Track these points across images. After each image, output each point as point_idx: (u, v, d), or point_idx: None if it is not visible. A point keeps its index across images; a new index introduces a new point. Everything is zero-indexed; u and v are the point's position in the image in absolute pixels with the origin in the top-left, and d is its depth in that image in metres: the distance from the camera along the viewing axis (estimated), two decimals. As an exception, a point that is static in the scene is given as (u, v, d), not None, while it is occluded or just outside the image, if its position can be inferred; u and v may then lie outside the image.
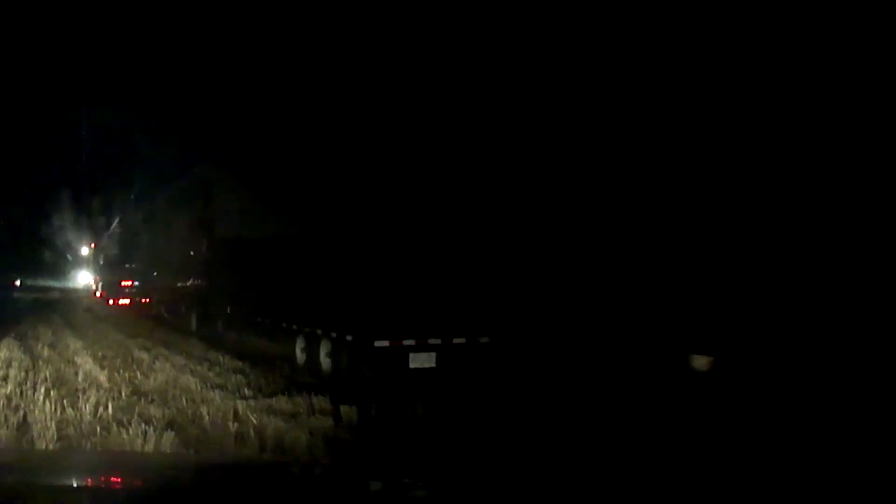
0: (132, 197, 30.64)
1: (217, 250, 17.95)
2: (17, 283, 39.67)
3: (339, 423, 7.47)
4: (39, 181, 36.39)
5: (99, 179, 34.20)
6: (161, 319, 22.32)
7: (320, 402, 8.34)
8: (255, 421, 7.31)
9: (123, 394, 9.22)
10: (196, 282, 20.10)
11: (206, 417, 7.62)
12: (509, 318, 10.14)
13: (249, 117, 15.58)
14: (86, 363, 11.98)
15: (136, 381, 10.24)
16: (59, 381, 10.07)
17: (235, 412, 7.93)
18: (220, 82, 18.70)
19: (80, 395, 8.88)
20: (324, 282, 11.45)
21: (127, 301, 27.61)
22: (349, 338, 10.51)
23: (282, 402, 8.40)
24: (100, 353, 13.33)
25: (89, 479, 2.65)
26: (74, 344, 14.98)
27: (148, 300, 26.58)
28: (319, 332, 11.47)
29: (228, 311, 16.78)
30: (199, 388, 9.54)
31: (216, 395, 8.88)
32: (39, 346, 14.48)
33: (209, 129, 19.32)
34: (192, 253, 20.44)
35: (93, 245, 33.08)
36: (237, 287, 16.11)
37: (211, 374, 10.90)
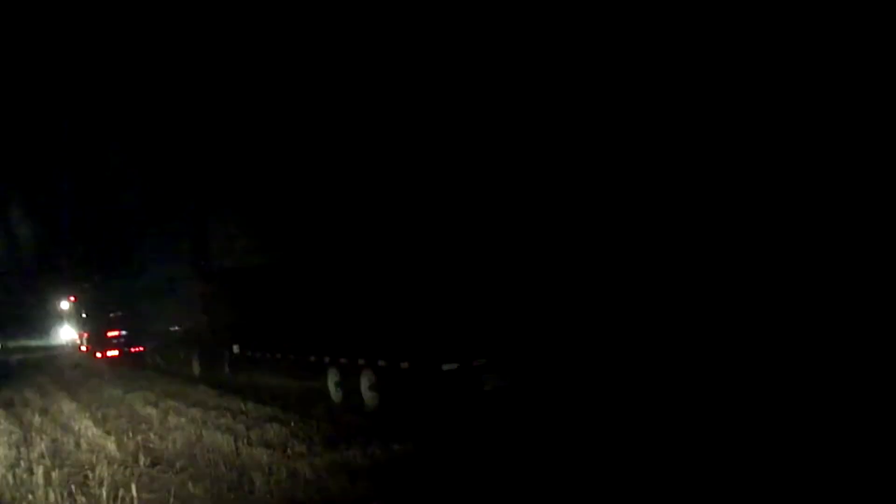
0: (112, 241, 28.72)
1: (215, 284, 16.14)
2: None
3: (446, 479, 5.72)
4: (12, 233, 33.89)
5: (76, 226, 32.08)
6: (158, 368, 20.46)
7: (400, 449, 6.60)
8: (333, 488, 5.54)
9: (142, 464, 7.43)
10: (193, 322, 18.31)
11: (264, 487, 5.86)
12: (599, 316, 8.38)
13: (242, 133, 13.88)
14: (87, 429, 10.08)
15: (153, 446, 8.42)
16: (59, 457, 8.21)
17: (294, 474, 6.18)
18: (206, 109, 17.12)
19: (90, 474, 7.09)
20: (364, 305, 9.69)
21: (115, 352, 25.68)
22: (405, 365, 8.78)
23: (352, 455, 6.63)
24: (100, 415, 11.44)
25: None
26: (68, 406, 13.05)
27: (140, 349, 24.76)
28: (361, 361, 9.71)
29: (235, 350, 14.95)
30: (233, 446, 7.76)
31: (262, 455, 7.10)
32: (29, 412, 12.52)
33: (196, 155, 17.63)
34: (185, 291, 18.66)
35: (73, 297, 30.96)
36: (243, 323, 14.30)
37: (240, 426, 9.09)
